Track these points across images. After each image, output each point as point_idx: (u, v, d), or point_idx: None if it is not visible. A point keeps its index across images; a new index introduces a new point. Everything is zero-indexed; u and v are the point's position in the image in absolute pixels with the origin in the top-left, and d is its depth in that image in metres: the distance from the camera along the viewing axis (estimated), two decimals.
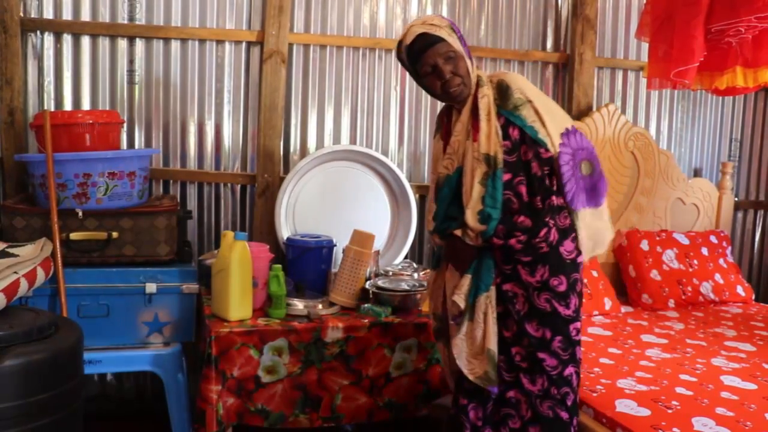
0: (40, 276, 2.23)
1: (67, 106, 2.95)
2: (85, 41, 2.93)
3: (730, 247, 3.60)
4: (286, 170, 3.12)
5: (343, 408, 2.42)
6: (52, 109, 2.90)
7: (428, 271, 2.87)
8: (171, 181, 3.07)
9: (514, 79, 1.92)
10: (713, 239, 3.54)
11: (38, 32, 2.89)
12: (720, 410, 2.04)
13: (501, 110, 1.89)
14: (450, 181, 1.96)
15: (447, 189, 1.97)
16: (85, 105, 2.96)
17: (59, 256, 2.38)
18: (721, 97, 3.68)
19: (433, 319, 2.14)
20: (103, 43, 2.95)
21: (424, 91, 3.25)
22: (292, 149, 3.17)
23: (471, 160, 1.90)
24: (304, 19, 3.13)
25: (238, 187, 3.14)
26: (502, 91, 1.91)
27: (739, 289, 3.43)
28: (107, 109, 2.96)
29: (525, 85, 1.92)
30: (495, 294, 1.92)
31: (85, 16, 2.92)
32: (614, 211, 3.40)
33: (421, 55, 1.87)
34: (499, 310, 1.92)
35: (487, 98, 1.91)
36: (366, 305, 2.55)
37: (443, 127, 2.05)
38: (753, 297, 3.49)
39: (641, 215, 3.50)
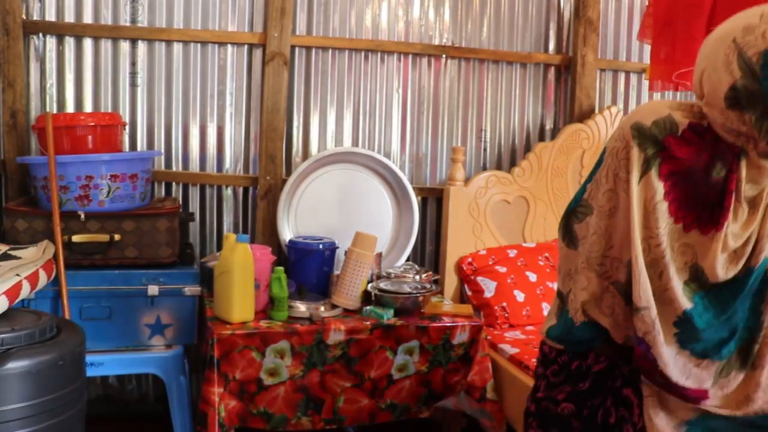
0: (42, 278, 2.23)
1: (70, 108, 2.95)
2: (88, 43, 2.93)
3: None
4: (288, 172, 3.12)
5: (345, 410, 2.42)
6: (55, 112, 2.90)
7: (429, 273, 2.87)
8: (173, 184, 3.07)
9: None
10: None
11: (40, 34, 2.89)
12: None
13: None
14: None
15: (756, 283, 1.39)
16: (88, 107, 2.96)
17: (61, 258, 2.38)
18: None
19: None
20: (106, 45, 2.95)
21: (425, 94, 3.31)
22: (294, 151, 3.17)
23: None
24: (306, 21, 3.13)
25: (240, 190, 3.14)
26: None
27: None
28: (109, 111, 2.96)
29: None
30: None
31: (87, 18, 2.92)
32: None
33: None
34: None
35: None
36: (368, 307, 2.55)
37: (701, 172, 1.36)
38: None
39: None
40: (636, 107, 1.62)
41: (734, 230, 1.36)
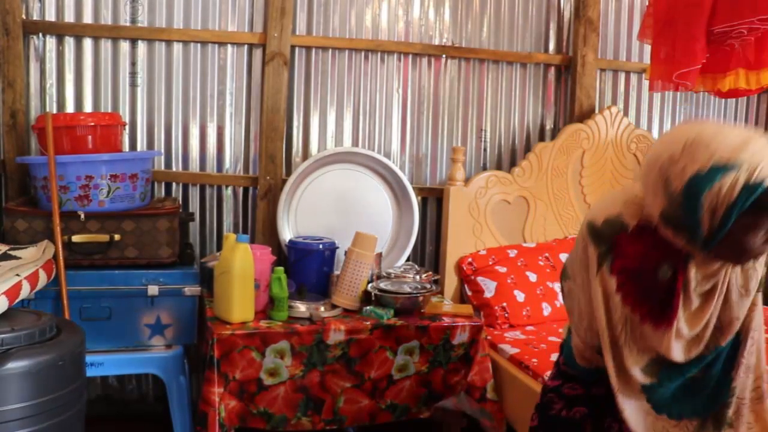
0: (42, 278, 2.23)
1: (69, 108, 2.94)
2: (88, 43, 2.93)
3: None
4: (288, 172, 3.12)
5: (345, 410, 2.42)
6: (55, 112, 2.90)
7: (429, 273, 2.87)
8: (173, 184, 3.07)
9: None
10: None
11: (40, 34, 2.89)
12: None
13: None
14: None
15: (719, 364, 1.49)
16: (87, 107, 2.96)
17: (61, 258, 2.38)
18: (723, 99, 3.68)
19: None
20: (105, 45, 2.95)
21: (425, 94, 3.31)
22: (294, 151, 3.17)
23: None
24: (306, 21, 3.13)
25: (240, 190, 3.14)
26: None
27: None
28: (109, 111, 2.96)
29: None
30: None
31: (87, 18, 2.92)
32: None
33: None
34: None
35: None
36: (368, 307, 2.55)
37: (649, 273, 1.44)
38: None
39: None
40: (595, 202, 1.70)
41: (686, 320, 1.43)
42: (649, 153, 1.40)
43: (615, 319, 1.46)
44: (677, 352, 1.44)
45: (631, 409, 1.48)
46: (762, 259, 1.44)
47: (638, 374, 1.45)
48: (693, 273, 1.41)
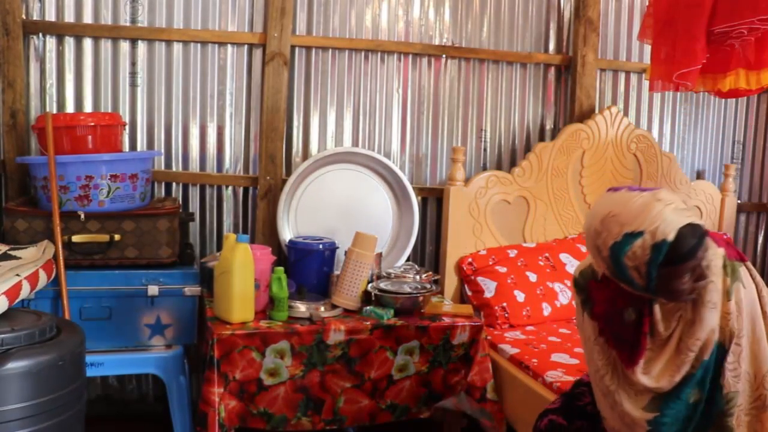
0: (42, 278, 2.23)
1: (70, 108, 2.95)
2: (88, 43, 2.93)
3: None
4: (288, 172, 3.12)
5: (345, 410, 2.42)
6: (55, 112, 2.90)
7: (429, 273, 2.87)
8: (173, 184, 3.07)
9: None
10: None
11: (40, 34, 2.89)
12: None
13: None
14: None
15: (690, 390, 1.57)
16: (88, 107, 2.96)
17: (61, 258, 2.37)
18: (723, 99, 3.68)
19: None
20: (105, 45, 2.95)
21: (425, 94, 3.31)
22: (294, 151, 3.17)
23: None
24: (306, 21, 3.13)
25: (240, 190, 3.14)
26: None
27: None
28: (109, 111, 2.96)
29: None
30: None
31: (87, 18, 2.92)
32: None
33: (698, 252, 1.47)
34: None
35: None
36: (368, 308, 2.55)
37: (617, 317, 1.61)
38: None
39: None
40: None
41: (652, 355, 1.56)
42: (584, 224, 1.61)
43: (601, 366, 1.61)
44: (653, 380, 1.55)
45: None
46: (718, 272, 1.55)
47: (639, 413, 1.56)
48: (659, 314, 1.57)
